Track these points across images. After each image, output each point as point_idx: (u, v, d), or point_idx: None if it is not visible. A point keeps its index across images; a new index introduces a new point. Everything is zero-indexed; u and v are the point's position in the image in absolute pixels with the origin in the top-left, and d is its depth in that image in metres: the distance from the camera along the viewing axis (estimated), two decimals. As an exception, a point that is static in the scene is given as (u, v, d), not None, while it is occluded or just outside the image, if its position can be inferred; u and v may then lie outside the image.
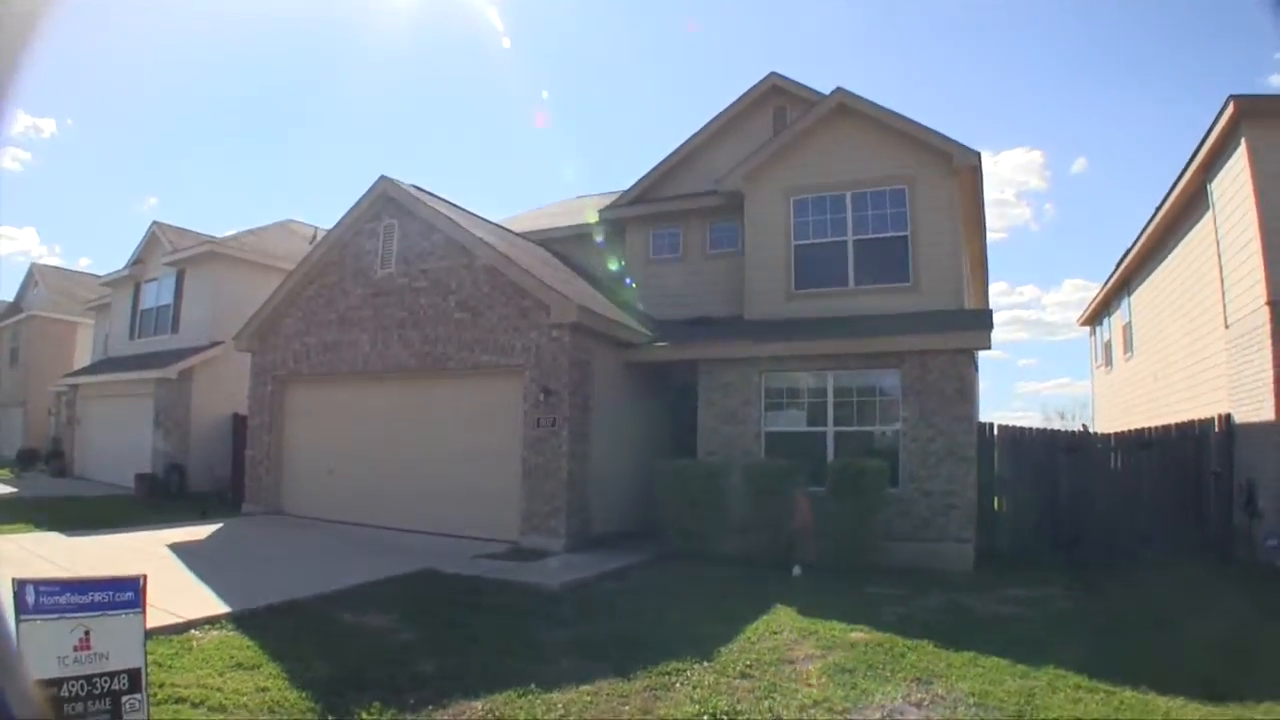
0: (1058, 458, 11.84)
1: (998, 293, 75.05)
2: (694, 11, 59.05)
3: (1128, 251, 16.34)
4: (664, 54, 65.20)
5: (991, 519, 11.57)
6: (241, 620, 6.70)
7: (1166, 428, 12.04)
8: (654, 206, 15.24)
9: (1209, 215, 12.09)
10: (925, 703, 5.02)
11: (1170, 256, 14.36)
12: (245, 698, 4.90)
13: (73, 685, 3.67)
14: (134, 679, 3.91)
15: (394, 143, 78.75)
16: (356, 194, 13.66)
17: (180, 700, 4.80)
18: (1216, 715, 4.79)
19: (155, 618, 6.38)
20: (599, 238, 15.84)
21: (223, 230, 21.26)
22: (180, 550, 10.10)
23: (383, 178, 13.33)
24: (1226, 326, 11.52)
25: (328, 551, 10.51)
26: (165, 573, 8.54)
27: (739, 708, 4.90)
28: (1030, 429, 12.39)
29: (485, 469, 11.67)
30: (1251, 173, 10.53)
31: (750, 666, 5.76)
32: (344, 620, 6.97)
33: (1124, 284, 17.65)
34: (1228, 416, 11.25)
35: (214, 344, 18.08)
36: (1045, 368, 77.06)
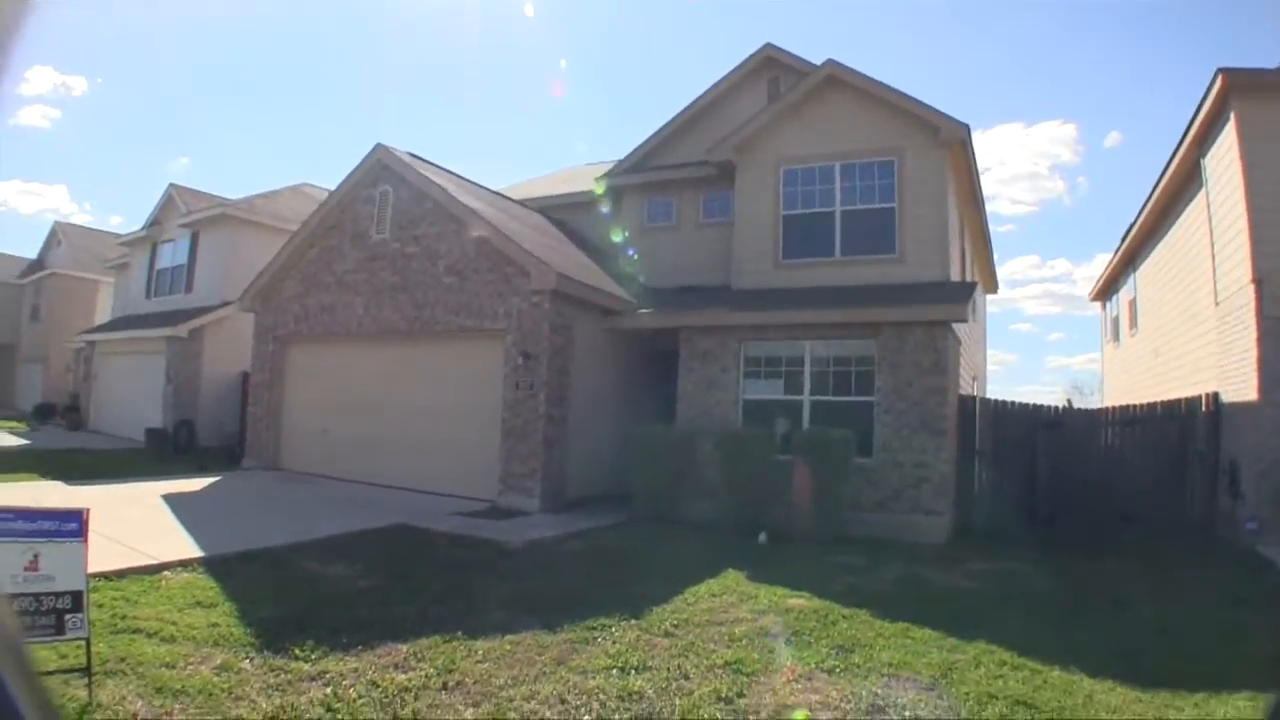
0: (1038, 434, 11.70)
1: (1029, 266, 74.43)
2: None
3: (1131, 226, 15.95)
4: (686, 19, 64.14)
5: (971, 493, 11.52)
6: (212, 564, 7.10)
7: (1152, 405, 11.90)
8: (649, 175, 15.22)
9: (1203, 191, 11.81)
10: (838, 670, 5.03)
11: (1170, 232, 14.05)
12: (195, 631, 5.29)
13: (23, 601, 4.11)
14: (76, 600, 4.32)
15: (420, 108, 78.82)
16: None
17: (137, 631, 5.25)
18: (1141, 700, 4.68)
19: (132, 559, 6.89)
20: (599, 205, 15.85)
21: (249, 193, 21.61)
22: (172, 500, 10.59)
23: (379, 145, 13.60)
24: (1217, 304, 11.26)
25: (312, 505, 10.87)
26: (153, 519, 9.07)
27: (650, 663, 5.03)
28: (1011, 403, 12.20)
29: (468, 430, 11.99)
30: (1240, 148, 10.21)
31: (677, 626, 5.86)
32: (308, 568, 7.33)
33: (1130, 259, 17.26)
34: (1215, 395, 11.04)
35: (225, 304, 18.40)
36: (1074, 342, 76.11)
